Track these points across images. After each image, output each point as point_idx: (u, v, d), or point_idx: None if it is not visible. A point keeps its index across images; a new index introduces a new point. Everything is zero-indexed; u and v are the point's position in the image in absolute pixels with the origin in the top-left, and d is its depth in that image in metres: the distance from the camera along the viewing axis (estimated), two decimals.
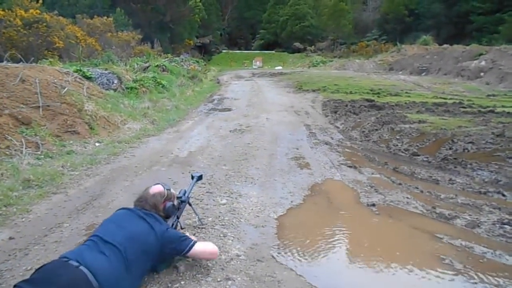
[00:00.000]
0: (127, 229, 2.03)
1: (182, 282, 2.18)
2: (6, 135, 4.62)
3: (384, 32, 38.33)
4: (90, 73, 8.06)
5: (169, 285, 2.15)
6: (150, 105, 8.65)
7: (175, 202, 2.46)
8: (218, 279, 2.21)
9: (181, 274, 2.24)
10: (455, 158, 4.93)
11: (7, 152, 4.40)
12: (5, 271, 2.25)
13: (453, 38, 28.70)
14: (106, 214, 2.86)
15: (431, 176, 4.32)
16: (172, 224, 2.30)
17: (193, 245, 2.17)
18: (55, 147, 5.00)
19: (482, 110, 8.47)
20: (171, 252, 2.18)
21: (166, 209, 2.31)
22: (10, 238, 2.66)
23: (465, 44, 23.50)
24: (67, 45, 14.03)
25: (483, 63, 16.49)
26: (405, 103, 9.73)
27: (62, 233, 2.78)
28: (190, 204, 2.61)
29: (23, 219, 2.98)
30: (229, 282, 2.20)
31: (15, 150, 4.48)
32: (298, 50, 42.33)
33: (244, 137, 6.42)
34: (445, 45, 24.94)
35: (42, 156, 4.62)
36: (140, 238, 2.01)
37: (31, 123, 5.11)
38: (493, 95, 11.51)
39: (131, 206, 2.34)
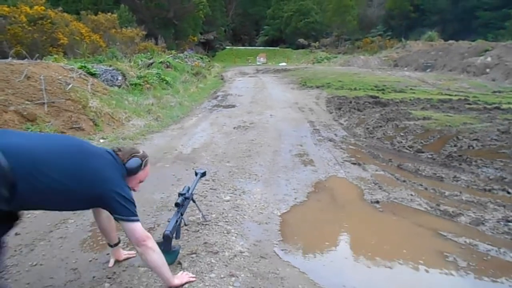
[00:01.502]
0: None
1: None
2: None
3: (389, 28, 38.18)
4: (94, 69, 8.07)
5: None
6: (154, 101, 8.66)
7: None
8: (222, 276, 2.22)
9: (184, 270, 2.25)
10: (459, 155, 4.90)
11: None
12: (11, 267, 2.27)
13: (459, 34, 28.53)
14: None
15: (435, 173, 4.30)
16: (176, 221, 2.28)
17: (134, 221, 1.83)
18: None
19: (488, 106, 8.41)
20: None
21: (129, 161, 1.96)
22: (16, 234, 2.68)
23: (471, 40, 23.35)
24: (71, 41, 14.06)
25: (489, 59, 16.33)
26: (410, 99, 9.69)
27: (67, 229, 2.81)
28: (193, 201, 2.61)
29: (29, 215, 3.00)
30: (233, 278, 2.20)
31: None
32: (303, 46, 42.21)
33: (248, 133, 6.42)
34: (450, 41, 24.81)
35: None
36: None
37: (36, 119, 5.14)
38: (499, 92, 11.42)
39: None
